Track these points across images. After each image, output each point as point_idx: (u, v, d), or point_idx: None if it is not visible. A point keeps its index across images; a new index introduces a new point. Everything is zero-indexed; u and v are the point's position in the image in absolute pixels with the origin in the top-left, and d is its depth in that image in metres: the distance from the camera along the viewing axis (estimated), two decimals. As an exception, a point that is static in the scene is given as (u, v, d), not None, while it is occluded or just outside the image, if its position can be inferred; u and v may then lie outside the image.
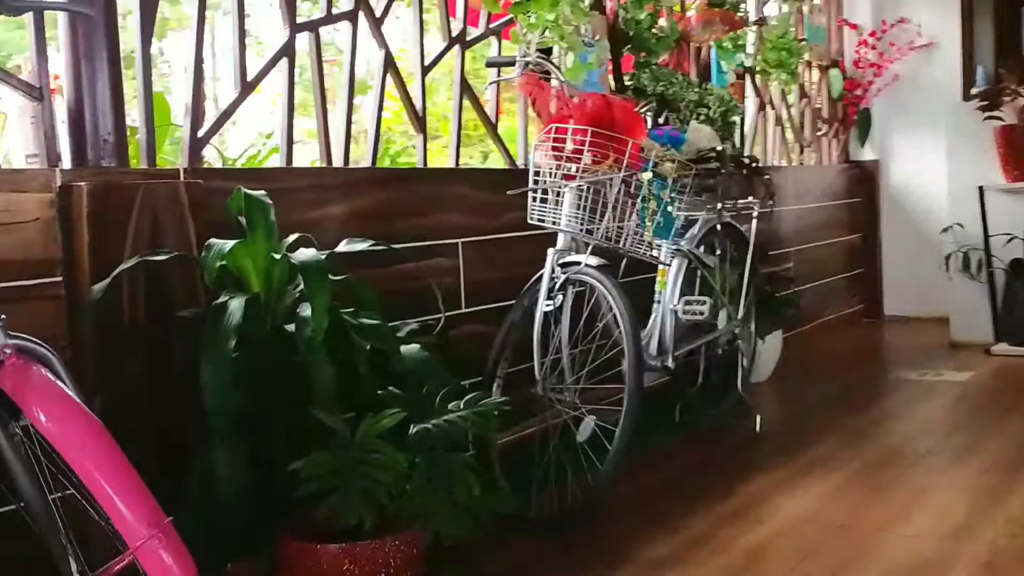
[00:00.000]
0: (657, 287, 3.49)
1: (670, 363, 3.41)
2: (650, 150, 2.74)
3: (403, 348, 2.31)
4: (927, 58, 6.37)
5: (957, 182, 5.53)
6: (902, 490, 3.06)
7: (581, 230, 2.88)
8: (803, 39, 5.95)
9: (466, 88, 3.53)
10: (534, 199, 2.88)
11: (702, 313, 3.36)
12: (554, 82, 2.96)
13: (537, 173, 2.88)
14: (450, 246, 3.33)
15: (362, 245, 2.39)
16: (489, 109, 3.64)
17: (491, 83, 3.30)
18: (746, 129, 5.51)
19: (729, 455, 3.56)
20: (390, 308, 3.07)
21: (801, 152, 6.22)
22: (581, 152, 2.81)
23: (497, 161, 3.94)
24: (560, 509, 2.77)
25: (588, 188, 2.87)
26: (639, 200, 2.85)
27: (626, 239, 2.89)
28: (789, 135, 6.06)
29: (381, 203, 3.11)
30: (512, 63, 2.94)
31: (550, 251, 2.97)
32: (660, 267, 3.50)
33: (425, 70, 3.37)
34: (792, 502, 2.99)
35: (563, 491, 2.78)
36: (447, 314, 3.31)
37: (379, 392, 2.20)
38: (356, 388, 2.20)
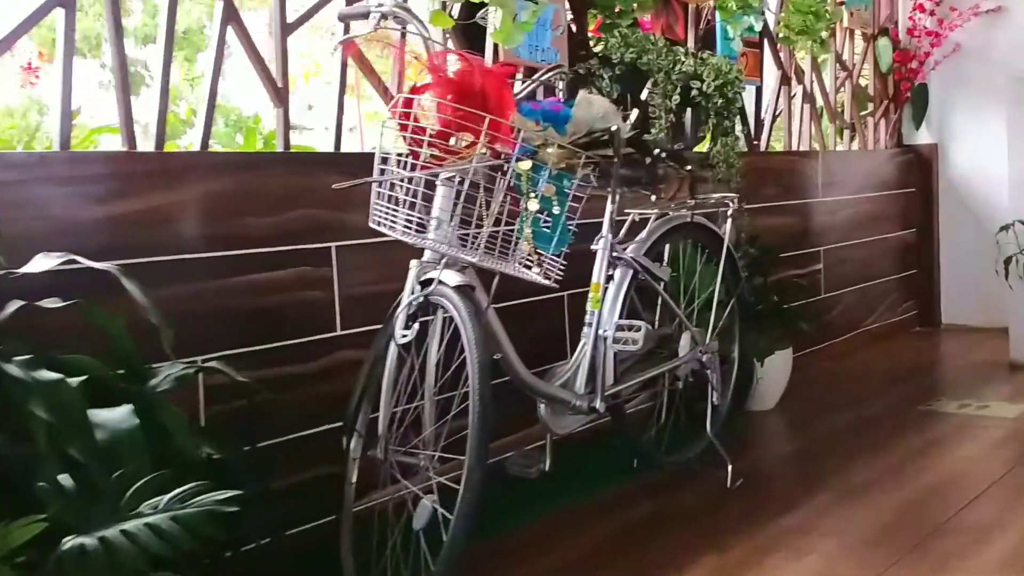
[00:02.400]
0: (588, 306, 2.74)
1: (598, 404, 2.66)
2: (520, 130, 2.00)
3: (103, 415, 1.61)
4: (994, 25, 5.41)
5: (1020, 171, 4.62)
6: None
7: (444, 238, 2.16)
8: (841, 1, 5.08)
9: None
10: (379, 195, 2.16)
11: (635, 342, 2.60)
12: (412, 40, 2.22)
13: (385, 161, 2.16)
14: (320, 251, 2.64)
15: (54, 261, 1.71)
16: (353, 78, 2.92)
17: (341, 41, 2.57)
18: (763, 108, 4.68)
19: (682, 520, 2.79)
20: (228, 332, 2.42)
21: (844, 136, 5.35)
22: (445, 134, 2.09)
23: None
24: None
25: (459, 181, 2.14)
26: (523, 199, 2.10)
27: (508, 249, 2.15)
28: (824, 116, 5.20)
29: (214, 197, 2.43)
30: (366, 15, 2.22)
31: (413, 263, 2.26)
32: (594, 280, 2.75)
33: (288, 28, 2.67)
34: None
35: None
36: (315, 338, 2.64)
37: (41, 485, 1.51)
38: (26, 476, 1.52)
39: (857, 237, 5.24)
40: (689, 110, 4.11)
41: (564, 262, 2.14)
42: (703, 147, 4.01)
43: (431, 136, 2.08)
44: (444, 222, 2.20)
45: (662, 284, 2.89)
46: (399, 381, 2.20)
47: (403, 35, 2.44)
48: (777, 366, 3.92)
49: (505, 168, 2.07)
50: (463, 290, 2.11)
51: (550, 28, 3.39)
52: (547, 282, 2.08)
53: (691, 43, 4.13)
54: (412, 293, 2.21)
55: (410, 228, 2.11)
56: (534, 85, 2.27)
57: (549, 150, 2.03)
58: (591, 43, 3.53)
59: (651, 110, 3.61)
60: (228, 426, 2.45)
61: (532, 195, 2.05)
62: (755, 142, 4.58)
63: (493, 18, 2.90)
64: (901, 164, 5.71)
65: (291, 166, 2.64)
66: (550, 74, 2.31)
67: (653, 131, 3.60)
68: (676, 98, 3.65)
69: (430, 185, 2.14)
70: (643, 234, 2.88)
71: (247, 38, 2.59)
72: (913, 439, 3.46)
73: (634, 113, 3.74)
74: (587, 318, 2.73)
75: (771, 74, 4.71)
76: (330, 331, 2.66)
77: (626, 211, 2.90)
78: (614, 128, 2.02)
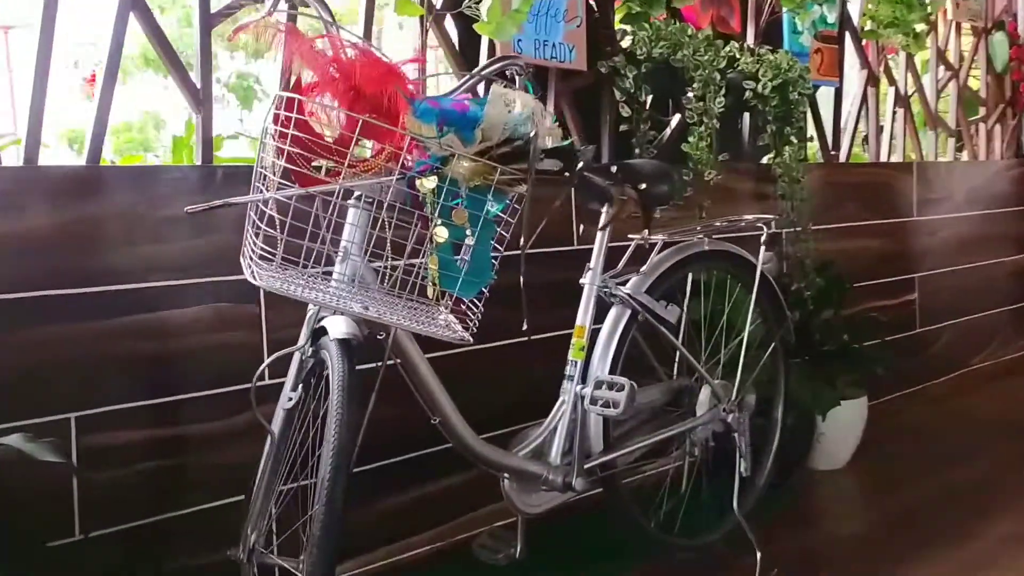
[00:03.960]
0: (570, 354, 2.20)
1: (576, 482, 2.11)
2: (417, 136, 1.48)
3: None
4: None
5: None
6: None
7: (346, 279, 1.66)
8: (944, -10, 4.39)
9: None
10: (259, 221, 1.67)
11: (614, 406, 2.04)
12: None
13: (266, 177, 1.67)
14: (234, 284, 2.17)
15: None
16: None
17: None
18: (844, 114, 4.03)
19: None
20: (112, 383, 1.99)
21: (948, 145, 4.63)
22: (330, 144, 1.59)
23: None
24: None
25: (371, 201, 1.65)
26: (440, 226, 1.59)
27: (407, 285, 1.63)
28: (922, 122, 4.50)
29: (95, 220, 2.01)
30: (259, -4, 1.75)
31: (311, 307, 1.77)
32: (578, 323, 2.21)
33: (211, 19, 2.22)
34: None
35: None
36: (236, 388, 2.18)
37: None
38: None
39: (962, 262, 4.51)
40: (747, 116, 3.55)
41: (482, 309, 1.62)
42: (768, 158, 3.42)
43: (316, 146, 1.59)
44: (352, 255, 1.70)
45: (675, 327, 2.32)
46: (281, 456, 1.71)
47: (293, 19, 1.97)
48: (847, 417, 3.28)
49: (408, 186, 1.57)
50: (346, 344, 1.60)
51: (563, 20, 2.87)
52: (452, 336, 1.56)
53: (751, 38, 3.54)
54: (304, 345, 1.72)
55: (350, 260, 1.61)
56: (472, 82, 1.76)
57: (464, 163, 1.51)
58: (618, 37, 2.99)
59: (688, 115, 3.06)
60: (114, 496, 2.02)
61: (439, 221, 1.54)
62: (832, 152, 3.94)
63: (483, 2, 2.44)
64: (1019, 177, 4.94)
65: (207, 181, 2.19)
66: (497, 67, 1.80)
67: (691, 140, 3.05)
68: (721, 100, 3.08)
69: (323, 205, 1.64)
70: (647, 266, 2.33)
71: (155, 30, 2.15)
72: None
73: (675, 119, 3.20)
74: (568, 369, 2.19)
75: (854, 73, 4.06)
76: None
77: (629, 236, 2.35)
78: (532, 133, 1.49)
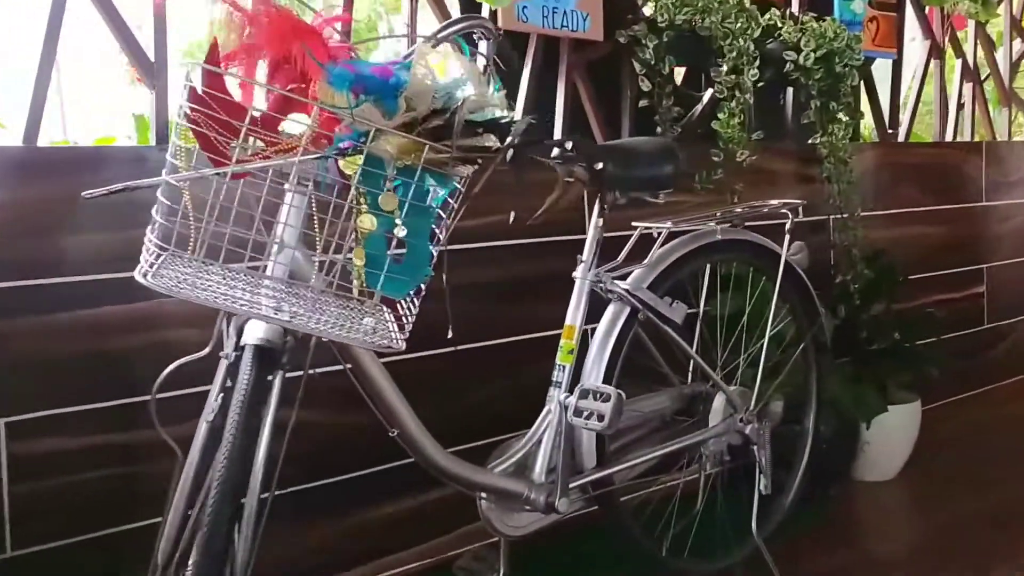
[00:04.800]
0: (558, 358, 1.95)
1: (559, 503, 1.87)
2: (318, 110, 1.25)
3: None
4: None
5: None
6: None
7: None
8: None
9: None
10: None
11: (599, 419, 1.79)
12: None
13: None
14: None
15: None
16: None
17: None
18: (903, 89, 3.68)
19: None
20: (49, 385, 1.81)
21: None
22: (265, 119, 1.37)
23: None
24: None
25: (304, 185, 1.42)
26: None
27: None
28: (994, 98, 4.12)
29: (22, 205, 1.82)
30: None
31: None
32: (568, 322, 1.96)
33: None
34: None
35: None
36: (189, 391, 1.98)
37: None
38: None
39: (1038, 251, 4.13)
40: (791, 91, 3.25)
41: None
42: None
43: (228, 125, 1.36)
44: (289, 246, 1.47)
45: (682, 328, 2.06)
46: (202, 475, 1.50)
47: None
48: (897, 423, 2.97)
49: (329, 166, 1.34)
50: (259, 351, 1.38)
51: (576, -16, 2.61)
52: (378, 343, 1.32)
53: (795, 5, 3.22)
54: (231, 351, 1.51)
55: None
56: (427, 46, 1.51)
57: (390, 139, 1.28)
58: (639, 3, 2.72)
59: (718, 89, 2.78)
60: (51, 510, 1.85)
61: (364, 208, 1.31)
62: (890, 131, 3.60)
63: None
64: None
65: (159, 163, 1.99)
66: (457, 29, 1.55)
67: (721, 117, 2.77)
68: (755, 73, 2.80)
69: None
70: (650, 258, 2.06)
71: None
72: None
73: (707, 95, 2.92)
74: (555, 375, 1.94)
75: (916, 44, 3.71)
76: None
77: (633, 224, 2.09)
78: (459, 100, 1.25)
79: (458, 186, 1.40)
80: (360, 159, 1.31)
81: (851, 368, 2.91)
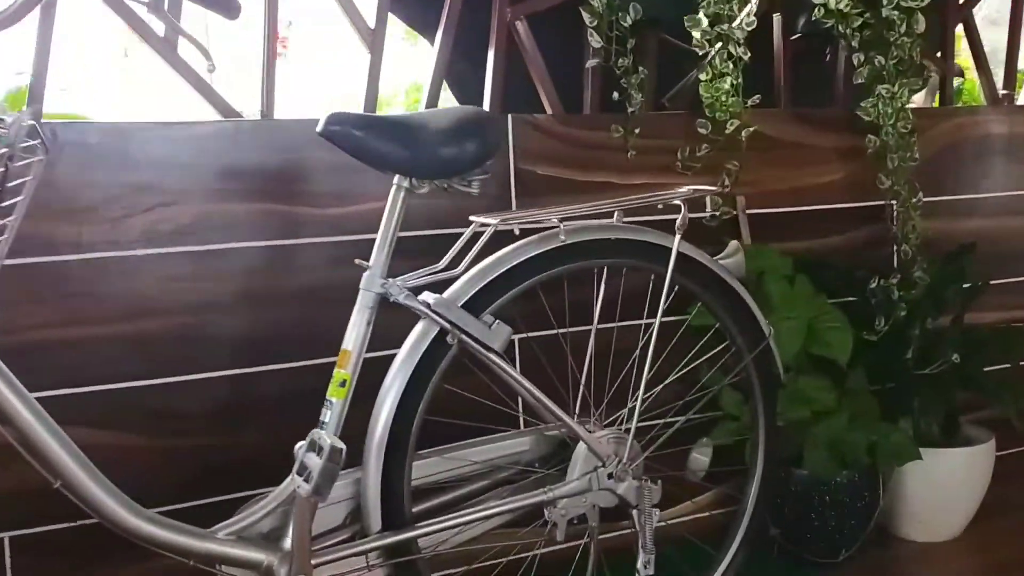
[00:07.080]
0: (328, 393, 1.52)
1: (298, 578, 1.45)
2: None
3: None
4: None
5: None
6: None
7: None
8: None
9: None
10: None
11: (308, 478, 1.35)
12: None
13: None
14: None
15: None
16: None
17: None
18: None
19: None
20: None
21: None
22: None
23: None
24: None
25: None
26: None
27: None
28: None
29: None
30: None
31: None
32: (344, 346, 1.53)
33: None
34: None
35: None
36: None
37: None
38: None
39: None
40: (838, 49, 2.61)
41: None
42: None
43: None
44: None
45: (499, 359, 1.57)
46: None
47: None
48: (951, 468, 2.31)
49: None
50: None
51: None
52: None
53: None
54: None
55: None
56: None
57: None
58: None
59: (696, 42, 2.24)
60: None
61: None
62: (1003, 91, 2.83)
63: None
64: None
65: None
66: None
67: (704, 78, 2.24)
68: (752, 20, 2.24)
69: None
70: (482, 264, 1.59)
71: None
72: None
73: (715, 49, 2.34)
74: (323, 414, 1.52)
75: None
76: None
77: (471, 219, 1.62)
78: None
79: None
80: None
81: (886, 398, 2.28)
